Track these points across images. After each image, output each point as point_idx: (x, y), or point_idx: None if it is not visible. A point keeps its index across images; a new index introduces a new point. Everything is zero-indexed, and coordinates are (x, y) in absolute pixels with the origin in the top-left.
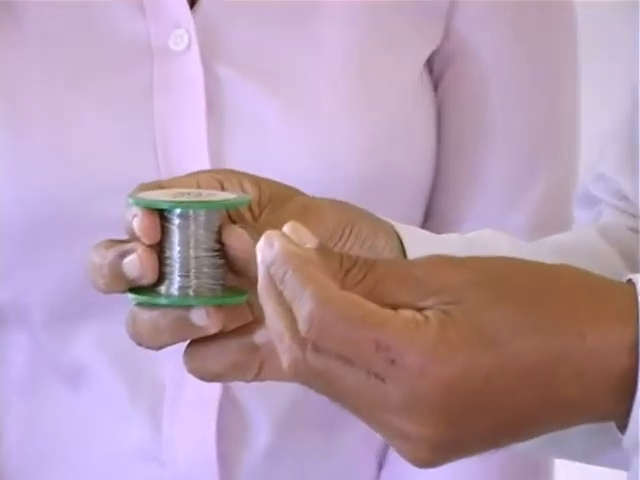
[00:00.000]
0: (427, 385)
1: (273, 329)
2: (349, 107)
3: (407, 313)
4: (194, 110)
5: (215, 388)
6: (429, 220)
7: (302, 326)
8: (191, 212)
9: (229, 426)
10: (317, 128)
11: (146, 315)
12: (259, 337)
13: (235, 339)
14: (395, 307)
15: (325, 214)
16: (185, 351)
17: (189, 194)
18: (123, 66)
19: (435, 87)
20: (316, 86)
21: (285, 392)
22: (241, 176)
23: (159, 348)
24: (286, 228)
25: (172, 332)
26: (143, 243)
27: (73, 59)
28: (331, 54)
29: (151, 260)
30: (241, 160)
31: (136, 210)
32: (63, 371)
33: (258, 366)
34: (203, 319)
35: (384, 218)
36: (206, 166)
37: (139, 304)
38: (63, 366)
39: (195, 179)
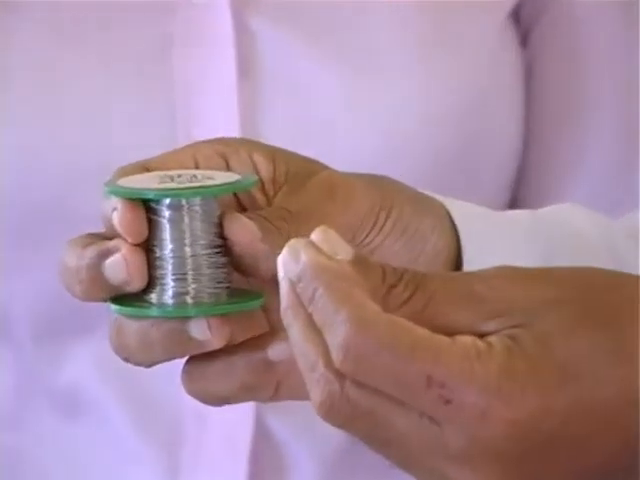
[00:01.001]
0: (490, 430)
1: (302, 356)
2: (418, 65)
3: (465, 340)
4: (222, 70)
5: (246, 423)
6: (515, 208)
7: (336, 355)
8: (184, 201)
9: (264, 472)
10: (377, 92)
11: (133, 326)
12: (275, 352)
13: (244, 355)
14: (450, 332)
15: (356, 195)
16: (184, 369)
17: (180, 177)
18: (135, 19)
19: (523, 42)
20: (375, 39)
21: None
22: (250, 147)
23: (150, 365)
24: (315, 235)
25: (166, 347)
26: (127, 241)
27: (67, 10)
28: None
29: (138, 262)
30: (280, 132)
31: (115, 202)
32: (56, 397)
33: (274, 386)
34: (204, 332)
35: (432, 194)
36: (235, 124)
37: (125, 316)
38: (56, 391)
39: (191, 155)
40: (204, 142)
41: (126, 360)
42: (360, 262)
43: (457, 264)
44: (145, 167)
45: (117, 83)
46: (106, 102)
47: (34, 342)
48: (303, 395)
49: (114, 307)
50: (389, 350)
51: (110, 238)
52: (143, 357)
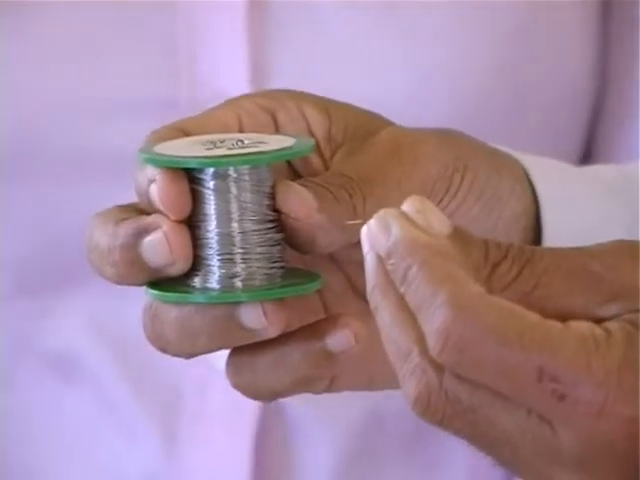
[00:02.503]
0: (608, 429)
1: (392, 343)
2: None
3: (581, 327)
4: None
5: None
6: (592, 150)
7: (433, 343)
8: (231, 170)
9: (271, 454)
10: (416, 25)
11: (173, 312)
12: (335, 342)
13: (300, 345)
14: (563, 317)
15: (426, 156)
16: (229, 360)
17: (224, 142)
18: None
19: None
20: None
21: (357, 402)
22: (300, 99)
23: (191, 356)
24: (407, 205)
25: (212, 336)
26: (168, 217)
27: None
28: None
29: (182, 241)
30: (295, 72)
31: (153, 172)
32: (44, 359)
33: (331, 378)
34: (259, 319)
35: (508, 151)
36: (243, 78)
37: (165, 302)
38: (44, 352)
39: (234, 112)
40: (247, 96)
41: (162, 350)
42: (460, 237)
43: (536, 230)
44: (182, 130)
45: (115, 11)
46: (101, 30)
47: (18, 298)
48: (361, 386)
49: (152, 292)
50: (495, 338)
51: (146, 212)
52: (183, 347)
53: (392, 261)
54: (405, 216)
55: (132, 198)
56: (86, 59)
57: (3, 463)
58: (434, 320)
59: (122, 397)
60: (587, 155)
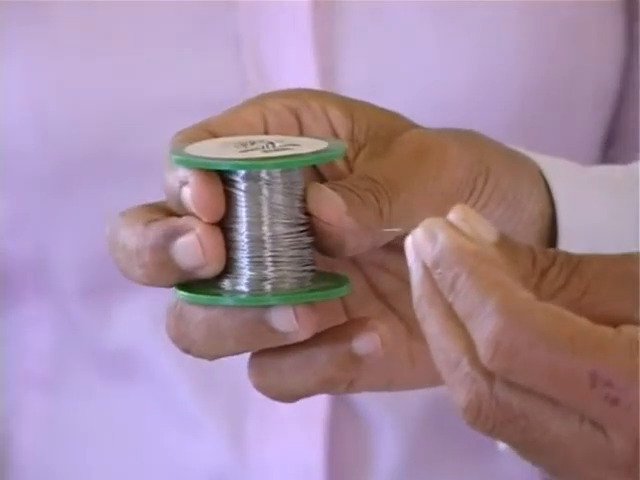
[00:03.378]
0: None
1: (441, 352)
2: None
3: (632, 331)
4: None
5: None
6: (612, 147)
7: (484, 351)
8: (263, 173)
9: (343, 445)
10: (468, 22)
11: (200, 314)
12: (361, 345)
13: (328, 347)
14: (612, 322)
15: (450, 158)
16: (252, 362)
17: (254, 144)
18: None
19: None
20: None
21: (422, 392)
22: (324, 100)
23: (215, 358)
24: (454, 214)
25: (240, 339)
26: (201, 219)
27: None
28: None
29: (215, 243)
30: (362, 72)
31: (185, 173)
32: (104, 359)
33: (351, 380)
34: (290, 322)
35: (524, 151)
36: (311, 78)
37: (194, 304)
38: (104, 352)
39: (259, 112)
40: (271, 96)
41: (186, 351)
42: (507, 244)
43: (551, 231)
44: (208, 130)
45: (177, 12)
46: (165, 30)
47: (80, 299)
48: (380, 387)
49: (182, 294)
50: (547, 344)
51: (175, 213)
52: (209, 349)
53: (439, 270)
54: (451, 225)
55: None
56: (146, 65)
57: (64, 464)
58: (484, 328)
59: (186, 395)
60: (605, 154)
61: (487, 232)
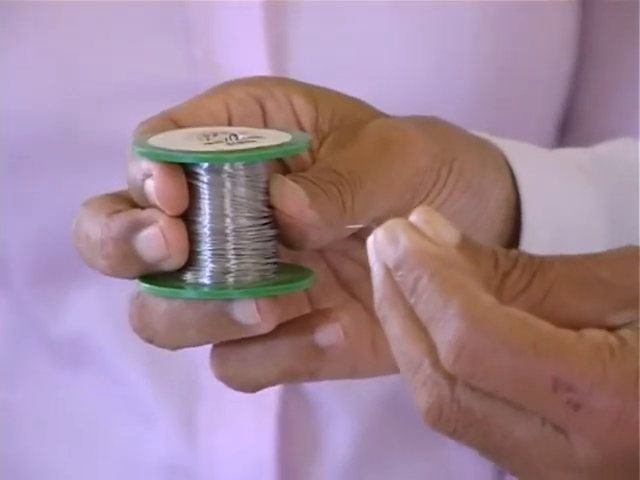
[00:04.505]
0: (625, 438)
1: (402, 355)
2: None
3: (595, 335)
4: None
5: None
6: (568, 134)
7: (446, 354)
8: (227, 166)
9: (295, 434)
10: (427, 10)
11: (163, 306)
12: (324, 336)
13: (291, 338)
14: (575, 325)
15: (414, 148)
16: (214, 352)
17: (216, 135)
18: None
19: None
20: None
21: (375, 383)
22: (288, 88)
23: (177, 348)
24: (416, 216)
25: (203, 331)
26: (164, 212)
27: None
28: None
29: (179, 236)
30: (312, 52)
31: (149, 166)
32: (55, 347)
33: (314, 371)
34: (252, 315)
35: (487, 137)
36: (262, 58)
37: (157, 296)
38: (56, 341)
39: (223, 101)
40: (235, 84)
41: (149, 341)
42: (469, 246)
43: (515, 217)
44: (171, 119)
45: (132, 5)
46: (108, 18)
47: (32, 286)
48: (343, 376)
49: (144, 286)
50: (509, 349)
51: (136, 204)
52: (172, 340)
53: (401, 272)
54: (413, 226)
55: None
56: (98, 49)
57: (14, 452)
58: (446, 332)
59: (138, 384)
60: (561, 137)
61: (449, 234)
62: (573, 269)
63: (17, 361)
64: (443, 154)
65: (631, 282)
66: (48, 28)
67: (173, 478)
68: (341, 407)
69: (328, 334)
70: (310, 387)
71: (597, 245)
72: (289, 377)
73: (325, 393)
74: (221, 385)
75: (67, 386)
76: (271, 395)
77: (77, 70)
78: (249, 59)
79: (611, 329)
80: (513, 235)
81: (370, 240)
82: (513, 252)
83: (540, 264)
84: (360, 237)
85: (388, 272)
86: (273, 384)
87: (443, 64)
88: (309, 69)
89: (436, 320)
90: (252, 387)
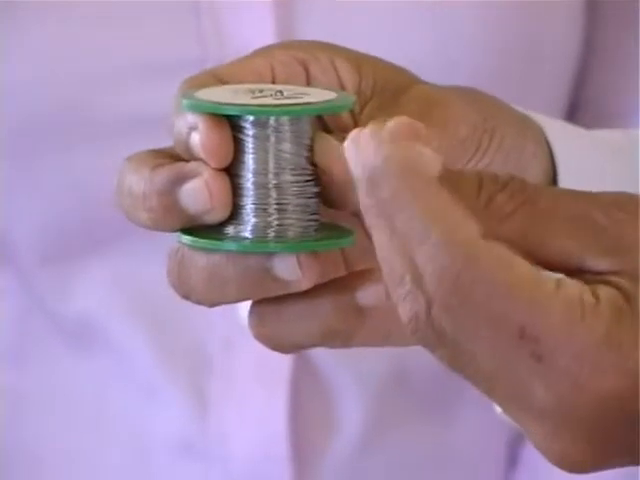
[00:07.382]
0: (582, 400)
1: (387, 265)
2: None
3: (572, 292)
4: None
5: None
6: (577, 112)
7: (428, 279)
8: (272, 120)
9: (306, 406)
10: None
11: (202, 260)
12: (365, 296)
13: (331, 297)
14: (556, 260)
15: (456, 115)
16: (253, 310)
17: (262, 91)
18: None
19: None
20: None
21: (385, 356)
22: (332, 52)
23: (214, 305)
24: (393, 124)
25: (242, 286)
26: (208, 165)
27: None
28: None
29: (223, 189)
30: (321, 26)
31: (194, 119)
32: (65, 328)
33: (351, 332)
34: (294, 271)
35: (531, 114)
36: (270, 31)
37: (198, 249)
38: (65, 321)
39: (267, 62)
40: (279, 47)
41: (185, 297)
42: (449, 173)
43: None
44: (216, 77)
45: None
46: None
47: (40, 266)
48: (377, 341)
49: (185, 238)
50: (485, 287)
51: (181, 158)
52: (210, 295)
53: (383, 182)
54: (399, 134)
55: None
56: (113, 25)
57: (26, 435)
58: (427, 258)
59: (147, 361)
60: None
61: (432, 158)
62: (567, 205)
63: (26, 343)
64: (484, 123)
65: (623, 230)
66: (61, 8)
67: (185, 454)
68: (352, 382)
69: (370, 294)
70: (321, 362)
71: None
72: (327, 338)
73: (336, 368)
74: (231, 360)
75: (78, 367)
76: (282, 370)
77: (88, 48)
78: (258, 33)
79: (590, 273)
80: None
81: (347, 143)
82: (504, 175)
83: (532, 192)
84: None
85: (372, 182)
86: (312, 345)
87: (452, 57)
88: (319, 37)
89: (417, 242)
90: (289, 347)
